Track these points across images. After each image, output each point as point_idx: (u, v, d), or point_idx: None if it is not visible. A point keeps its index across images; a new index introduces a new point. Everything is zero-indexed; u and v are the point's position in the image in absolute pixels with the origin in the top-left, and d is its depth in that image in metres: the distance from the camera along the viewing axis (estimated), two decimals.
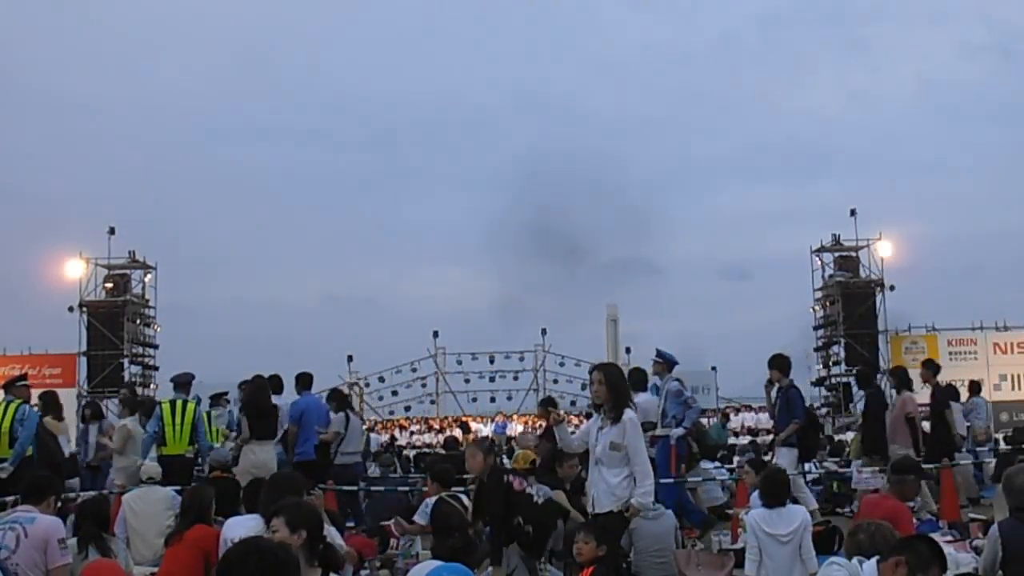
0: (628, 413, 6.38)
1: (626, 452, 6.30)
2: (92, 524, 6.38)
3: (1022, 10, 58.91)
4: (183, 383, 10.79)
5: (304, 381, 11.69)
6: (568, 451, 7.16)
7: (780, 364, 10.42)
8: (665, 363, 10.76)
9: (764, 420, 23.22)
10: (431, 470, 9.00)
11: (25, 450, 9.35)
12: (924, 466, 8.52)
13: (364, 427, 23.96)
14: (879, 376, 11.41)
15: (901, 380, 11.37)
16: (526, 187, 41.48)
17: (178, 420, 10.25)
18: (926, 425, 12.29)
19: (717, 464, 13.35)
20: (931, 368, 11.86)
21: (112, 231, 25.64)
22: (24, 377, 10.71)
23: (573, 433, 7.03)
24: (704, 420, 25.49)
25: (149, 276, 26.81)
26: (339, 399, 12.50)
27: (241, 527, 5.61)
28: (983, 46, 62.21)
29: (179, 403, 10.38)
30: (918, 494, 8.28)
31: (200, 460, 10.64)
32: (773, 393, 10.41)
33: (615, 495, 6.29)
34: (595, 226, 44.20)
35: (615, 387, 6.48)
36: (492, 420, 29.02)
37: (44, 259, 29.33)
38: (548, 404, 10.73)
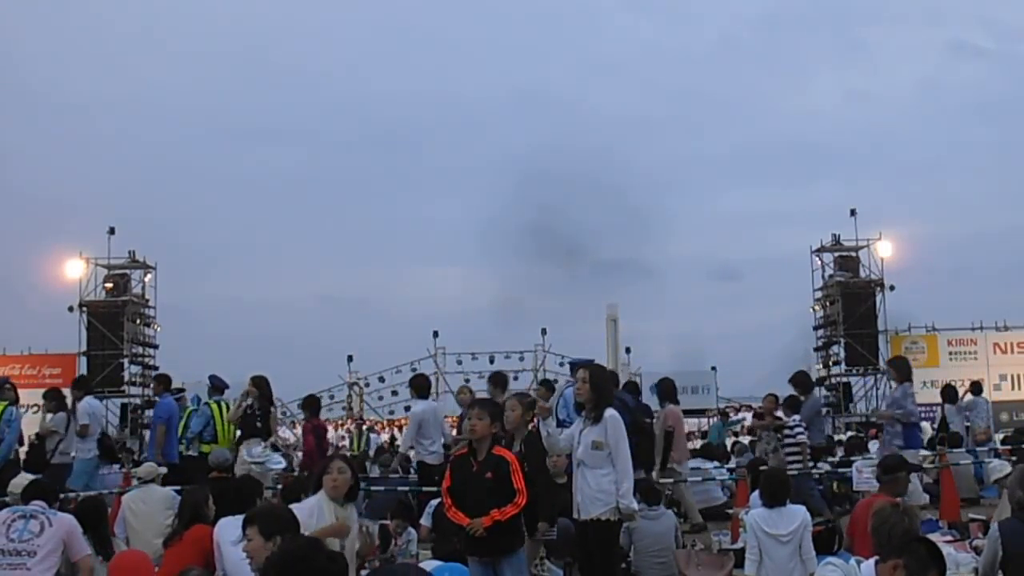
0: (610, 412, 6.35)
1: (609, 451, 6.24)
2: (93, 524, 6.47)
3: (1019, 11, 59.02)
4: (221, 388, 11.39)
5: (165, 382, 11.61)
6: (551, 451, 6.90)
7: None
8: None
9: None
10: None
11: (11, 451, 9.74)
12: None
13: (364, 426, 24.20)
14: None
15: (665, 392, 11.21)
16: (526, 187, 41.51)
17: (225, 419, 10.90)
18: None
19: (717, 464, 13.38)
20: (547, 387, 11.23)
21: (112, 231, 25.57)
22: (7, 380, 11.19)
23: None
24: (704, 420, 25.86)
25: (149, 276, 26.74)
26: (58, 399, 11.65)
27: (235, 527, 5.63)
28: (981, 47, 62.35)
29: (224, 404, 10.97)
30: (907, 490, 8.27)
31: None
32: None
33: (601, 499, 6.20)
34: (595, 226, 44.31)
35: (599, 387, 6.45)
36: None
37: (44, 259, 29.32)
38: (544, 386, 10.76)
